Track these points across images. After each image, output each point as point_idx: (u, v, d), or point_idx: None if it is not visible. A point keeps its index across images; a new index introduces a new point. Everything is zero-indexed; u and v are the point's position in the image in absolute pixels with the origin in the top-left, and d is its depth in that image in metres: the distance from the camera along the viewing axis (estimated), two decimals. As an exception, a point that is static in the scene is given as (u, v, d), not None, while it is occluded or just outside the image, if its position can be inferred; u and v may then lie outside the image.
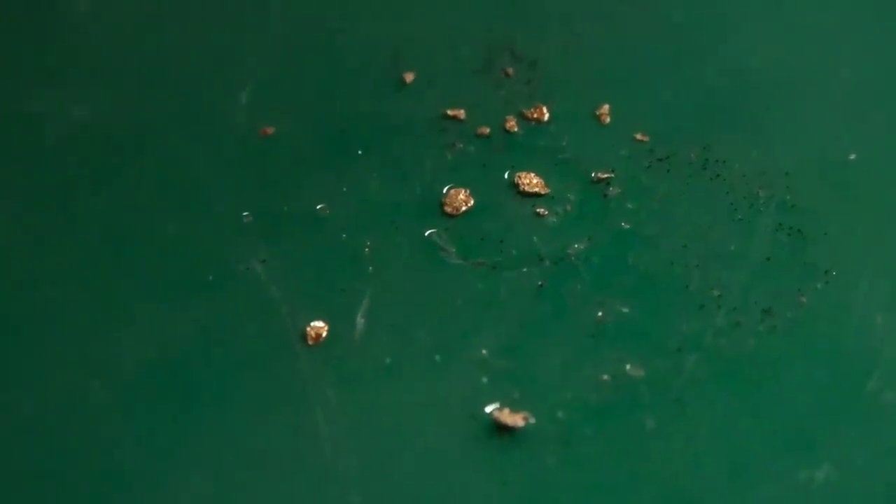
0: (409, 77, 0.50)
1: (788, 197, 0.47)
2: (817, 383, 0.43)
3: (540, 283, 0.46)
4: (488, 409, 0.43)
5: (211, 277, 0.46)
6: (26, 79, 0.52)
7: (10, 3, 0.54)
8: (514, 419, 0.42)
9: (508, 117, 0.49)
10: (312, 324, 0.45)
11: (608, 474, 0.41)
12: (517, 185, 0.47)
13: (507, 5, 0.53)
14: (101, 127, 0.50)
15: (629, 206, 0.47)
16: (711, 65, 0.52)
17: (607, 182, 0.47)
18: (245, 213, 0.47)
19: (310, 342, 0.44)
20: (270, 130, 0.49)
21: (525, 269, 0.46)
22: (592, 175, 0.48)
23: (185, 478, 0.41)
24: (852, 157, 0.48)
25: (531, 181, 0.47)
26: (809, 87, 0.51)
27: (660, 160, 0.48)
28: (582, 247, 0.46)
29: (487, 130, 0.49)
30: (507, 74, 0.50)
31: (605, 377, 0.43)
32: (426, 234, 0.47)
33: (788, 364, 0.44)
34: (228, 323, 0.45)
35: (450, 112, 0.49)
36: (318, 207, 0.48)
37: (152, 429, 0.42)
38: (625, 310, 0.45)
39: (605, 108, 0.49)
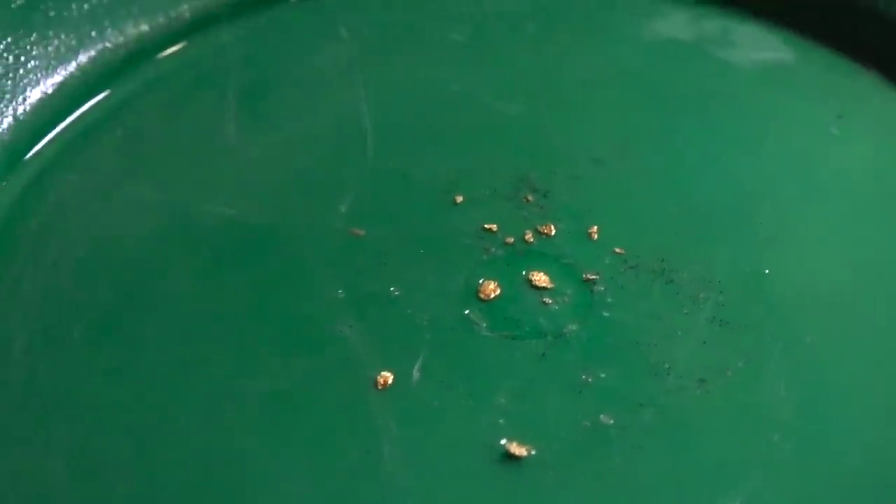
0: (459, 199, 0.49)
1: (721, 297, 0.46)
2: (735, 435, 0.42)
3: (543, 352, 0.45)
4: (502, 441, 0.42)
5: (314, 338, 0.45)
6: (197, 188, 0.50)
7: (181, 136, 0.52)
8: (521, 450, 0.41)
9: (527, 231, 0.48)
10: (382, 373, 0.44)
11: (585, 492, 0.40)
12: (530, 281, 0.46)
13: (531, 152, 0.53)
14: (245, 224, 0.49)
15: (609, 299, 0.46)
16: (671, 201, 0.51)
17: (594, 282, 0.46)
18: (340, 291, 0.45)
19: (379, 387, 0.43)
20: (361, 232, 0.48)
21: (533, 341, 0.45)
22: (584, 276, 0.46)
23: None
24: (767, 271, 0.46)
25: (541, 278, 0.46)
26: (736, 219, 0.50)
27: (631, 267, 0.47)
28: (574, 328, 0.45)
29: (512, 240, 0.48)
30: (527, 200, 0.49)
31: (586, 423, 0.42)
32: (465, 312, 0.45)
33: (715, 420, 0.43)
34: (323, 371, 0.44)
35: (486, 226, 0.49)
36: (391, 289, 0.46)
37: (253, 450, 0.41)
38: (602, 375, 0.44)
39: (595, 228, 0.48)
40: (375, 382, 0.43)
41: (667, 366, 0.44)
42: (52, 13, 0.57)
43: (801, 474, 0.41)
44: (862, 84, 0.56)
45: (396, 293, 0.47)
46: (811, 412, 0.43)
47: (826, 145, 0.53)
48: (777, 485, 0.40)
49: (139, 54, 0.58)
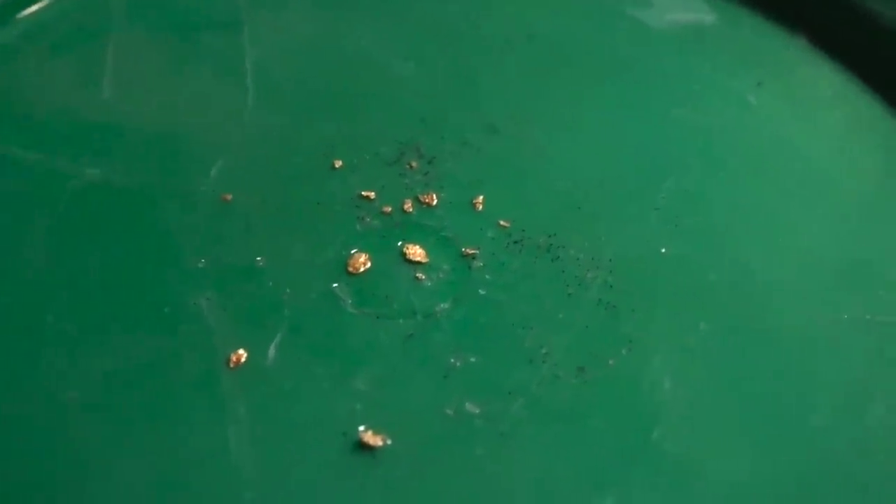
0: (338, 164, 0.45)
1: (610, 279, 0.42)
2: (612, 431, 0.39)
3: (411, 332, 0.41)
4: (358, 430, 0.38)
5: (167, 309, 0.41)
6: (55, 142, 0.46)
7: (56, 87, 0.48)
8: (376, 440, 0.38)
9: (407, 200, 0.44)
10: (236, 350, 0.40)
11: (444, 486, 0.37)
12: (404, 254, 0.42)
13: (421, 115, 0.49)
14: (108, 185, 0.45)
15: (487, 277, 0.42)
16: (565, 173, 0.47)
17: (473, 257, 0.42)
18: (201, 260, 0.42)
19: (231, 366, 0.40)
20: (229, 197, 0.43)
21: (401, 321, 0.41)
22: (463, 250, 0.42)
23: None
24: (663, 251, 0.42)
25: (416, 252, 0.43)
26: (635, 195, 0.46)
27: (515, 242, 0.43)
28: (447, 306, 0.42)
29: (389, 209, 0.44)
30: (411, 167, 0.45)
31: (450, 411, 0.39)
32: (332, 287, 0.41)
33: (591, 413, 0.39)
34: (173, 344, 0.40)
35: (363, 193, 0.44)
36: (257, 259, 0.42)
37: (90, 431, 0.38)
38: (472, 359, 0.40)
39: (480, 198, 0.44)
40: (228, 360, 0.40)
41: (544, 351, 0.40)
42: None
43: (679, 476, 0.38)
44: (788, 51, 0.52)
45: (261, 264, 0.43)
46: (697, 410, 0.39)
47: (741, 116, 0.49)
48: (652, 486, 0.37)
49: (13, 5, 0.54)
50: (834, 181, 0.47)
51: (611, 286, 0.42)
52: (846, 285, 0.43)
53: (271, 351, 0.40)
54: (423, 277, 0.42)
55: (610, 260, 0.43)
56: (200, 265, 0.43)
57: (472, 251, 0.43)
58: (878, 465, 0.38)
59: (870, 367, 0.41)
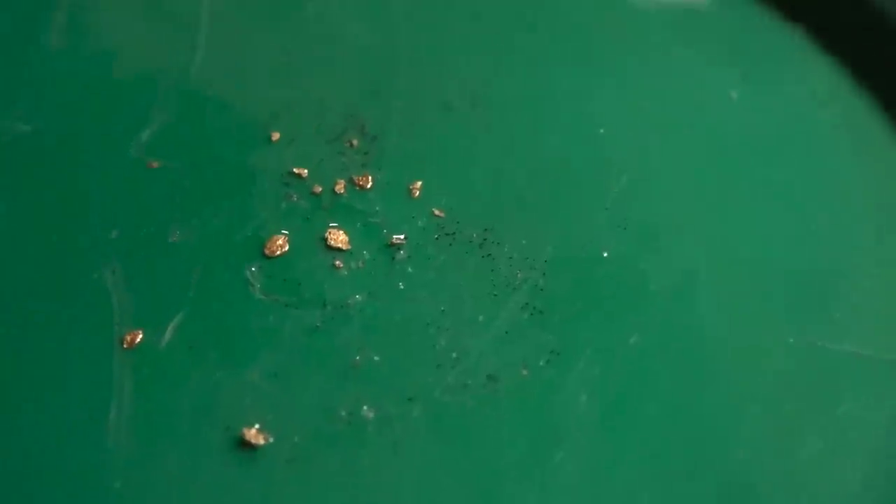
0: (276, 136, 0.42)
1: (542, 281, 0.39)
2: (512, 450, 0.36)
3: (318, 324, 0.38)
4: (245, 425, 0.36)
5: (70, 277, 0.39)
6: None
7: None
8: (257, 438, 0.36)
9: (339, 181, 0.41)
10: (133, 329, 0.38)
11: (321, 495, 0.35)
12: (326, 240, 0.39)
13: (372, 88, 0.45)
14: (35, 143, 0.43)
15: (409, 270, 0.39)
16: (515, 162, 0.43)
17: (398, 247, 0.39)
18: (114, 231, 0.39)
19: (125, 345, 0.37)
20: (156, 164, 0.41)
21: (309, 311, 0.39)
22: (389, 240, 0.39)
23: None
24: (605, 254, 0.39)
25: (338, 238, 0.40)
26: (585, 191, 0.42)
27: (447, 234, 0.40)
28: (360, 299, 0.39)
29: (320, 189, 0.41)
30: (351, 145, 0.42)
31: (344, 413, 0.36)
32: (243, 268, 0.39)
33: (494, 427, 0.36)
34: (69, 315, 0.38)
35: (295, 170, 0.41)
36: (172, 233, 0.40)
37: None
38: (376, 358, 0.37)
39: (419, 184, 0.41)
40: (123, 339, 0.38)
41: (454, 356, 0.37)
42: None
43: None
44: (781, 43, 0.48)
45: (175, 238, 0.40)
46: (609, 432, 0.36)
47: (718, 112, 0.45)
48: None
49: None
50: (808, 190, 0.43)
51: (541, 289, 0.39)
52: (799, 304, 0.39)
53: (168, 332, 0.38)
54: (341, 266, 0.40)
55: (545, 261, 0.40)
56: (113, 235, 0.40)
57: (399, 241, 0.40)
58: (801, 506, 0.35)
59: (809, 399, 0.37)
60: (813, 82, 0.46)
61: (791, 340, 0.38)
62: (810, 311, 0.39)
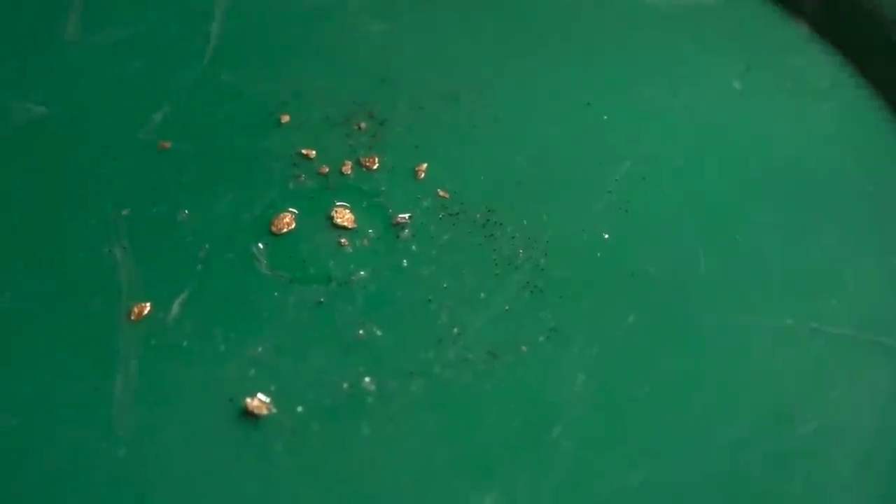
0: (285, 119, 0.42)
1: (543, 261, 0.39)
2: (509, 424, 0.36)
3: (322, 299, 0.38)
4: (248, 396, 0.36)
5: (81, 254, 0.40)
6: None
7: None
8: (260, 408, 0.36)
9: (346, 162, 0.41)
10: (140, 303, 0.38)
11: (320, 463, 0.35)
12: (332, 218, 0.39)
13: (382, 75, 0.46)
14: (50, 124, 0.44)
15: (413, 248, 0.40)
16: (519, 147, 0.43)
17: (403, 226, 0.39)
18: (126, 209, 0.40)
19: (133, 318, 0.38)
20: (167, 145, 0.41)
21: (314, 287, 0.39)
22: (394, 219, 0.39)
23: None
24: (606, 236, 0.39)
25: (344, 216, 0.40)
26: (588, 176, 0.42)
27: (451, 215, 0.40)
28: (364, 275, 0.39)
29: (327, 170, 0.41)
30: (359, 128, 0.42)
31: (346, 385, 0.36)
32: (251, 245, 0.39)
33: (492, 402, 0.36)
34: (79, 288, 0.39)
35: (303, 151, 0.41)
36: (182, 211, 0.40)
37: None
38: (379, 333, 0.38)
39: (424, 166, 0.41)
40: (130, 311, 0.38)
41: (455, 331, 0.38)
42: None
43: (570, 480, 0.34)
44: (785, 36, 0.48)
45: (185, 216, 0.41)
46: (606, 409, 0.36)
47: (720, 101, 0.45)
48: (540, 488, 0.34)
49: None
50: (808, 179, 0.43)
51: (542, 269, 0.39)
52: (798, 289, 0.39)
53: (175, 307, 0.38)
54: (347, 243, 0.40)
55: (547, 241, 0.40)
56: (124, 213, 0.41)
57: (403, 220, 0.40)
58: (794, 487, 0.35)
59: (806, 381, 0.37)
60: (815, 74, 0.46)
61: (789, 322, 0.38)
62: (808, 296, 0.39)
